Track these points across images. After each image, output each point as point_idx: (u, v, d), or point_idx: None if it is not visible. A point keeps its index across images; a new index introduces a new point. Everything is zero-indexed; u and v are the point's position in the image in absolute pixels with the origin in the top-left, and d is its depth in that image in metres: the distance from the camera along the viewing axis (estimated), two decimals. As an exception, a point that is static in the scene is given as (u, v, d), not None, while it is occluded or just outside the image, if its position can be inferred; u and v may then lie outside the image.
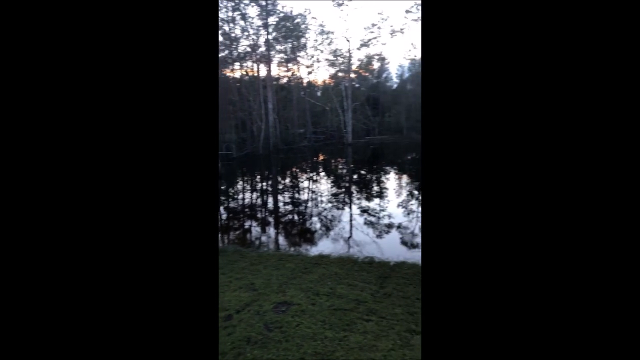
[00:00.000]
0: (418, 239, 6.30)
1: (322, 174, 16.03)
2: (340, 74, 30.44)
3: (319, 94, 32.46)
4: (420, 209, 8.67)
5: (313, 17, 30.23)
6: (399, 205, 8.90)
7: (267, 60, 25.01)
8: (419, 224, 7.27)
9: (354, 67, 30.66)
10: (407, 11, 31.18)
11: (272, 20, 25.12)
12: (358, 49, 30.61)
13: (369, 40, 29.81)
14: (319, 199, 10.37)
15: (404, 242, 6.19)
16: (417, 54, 33.71)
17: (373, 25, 29.69)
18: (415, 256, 5.30)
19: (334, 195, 10.87)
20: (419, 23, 32.30)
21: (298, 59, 29.03)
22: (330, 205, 9.41)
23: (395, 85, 36.29)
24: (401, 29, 30.82)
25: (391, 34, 30.37)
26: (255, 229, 7.59)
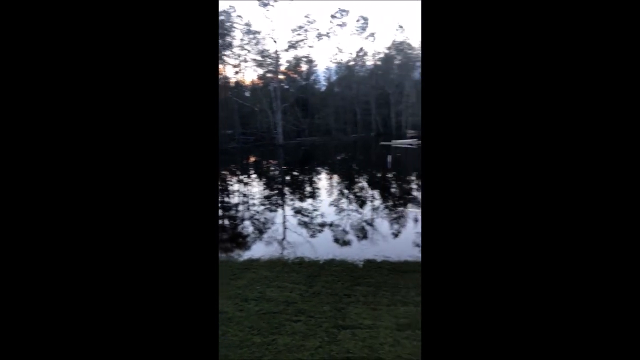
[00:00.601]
0: (349, 236, 6.51)
1: (254, 176, 15.69)
2: (268, 75, 30.19)
3: (247, 94, 31.74)
4: (350, 206, 8.99)
5: (238, 16, 29.24)
6: (330, 204, 9.10)
7: (190, 58, 23.70)
8: (350, 221, 7.52)
9: (282, 69, 30.68)
10: (333, 16, 32.23)
11: (194, 16, 23.87)
12: (286, 50, 30.52)
13: (297, 42, 30.11)
14: (251, 201, 10.12)
15: (336, 240, 6.33)
16: (344, 57, 35.05)
17: (300, 27, 30.08)
18: (344, 253, 5.45)
19: (267, 197, 10.71)
20: (344, 28, 33.66)
21: (224, 58, 28.07)
22: (262, 207, 9.24)
23: (323, 88, 37.18)
24: (327, 33, 31.73)
25: (318, 37, 31.11)
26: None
